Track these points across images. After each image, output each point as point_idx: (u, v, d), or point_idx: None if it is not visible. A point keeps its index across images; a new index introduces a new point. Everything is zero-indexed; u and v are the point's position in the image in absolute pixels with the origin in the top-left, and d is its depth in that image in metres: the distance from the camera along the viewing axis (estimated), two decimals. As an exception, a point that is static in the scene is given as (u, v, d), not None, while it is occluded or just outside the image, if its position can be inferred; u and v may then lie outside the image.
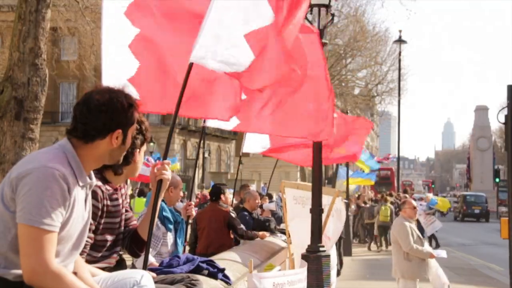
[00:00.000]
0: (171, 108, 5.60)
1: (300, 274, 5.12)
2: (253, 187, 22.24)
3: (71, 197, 2.48)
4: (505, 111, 12.39)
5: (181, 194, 6.39)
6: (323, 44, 6.54)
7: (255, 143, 7.50)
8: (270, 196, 15.85)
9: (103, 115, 2.62)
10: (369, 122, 12.37)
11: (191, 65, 3.82)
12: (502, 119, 12.44)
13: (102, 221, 3.19)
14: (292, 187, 6.94)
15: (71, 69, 27.28)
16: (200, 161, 44.13)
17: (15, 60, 10.98)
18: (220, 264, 4.56)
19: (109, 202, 3.25)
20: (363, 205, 22.71)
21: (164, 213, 5.94)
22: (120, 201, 3.39)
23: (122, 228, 3.41)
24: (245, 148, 7.63)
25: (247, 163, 44.00)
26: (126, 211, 3.48)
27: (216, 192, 7.88)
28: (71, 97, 45.26)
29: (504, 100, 11.93)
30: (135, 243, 3.44)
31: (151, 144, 30.63)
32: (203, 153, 41.11)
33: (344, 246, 17.07)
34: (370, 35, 36.49)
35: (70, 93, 45.33)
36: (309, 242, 6.00)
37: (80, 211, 2.58)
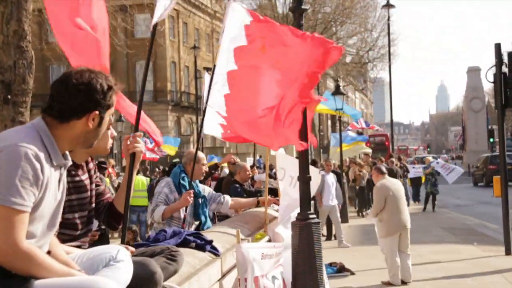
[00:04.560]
0: None
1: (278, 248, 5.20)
2: (249, 160, 22.26)
3: (44, 177, 2.43)
4: (494, 70, 12.39)
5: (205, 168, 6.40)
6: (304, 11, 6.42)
7: (214, 127, 6.76)
8: (270, 168, 15.83)
9: (81, 94, 2.55)
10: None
11: (155, 25, 4.05)
12: (491, 78, 12.44)
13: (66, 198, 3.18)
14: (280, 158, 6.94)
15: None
16: (196, 136, 44.09)
17: (0, 44, 10.87)
18: (210, 236, 4.58)
19: (69, 179, 3.21)
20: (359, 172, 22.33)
21: (181, 181, 5.96)
22: (85, 176, 3.37)
23: (93, 205, 3.39)
24: (205, 130, 7.14)
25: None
26: (98, 185, 3.46)
27: None
28: (61, 79, 44.87)
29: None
30: (111, 216, 3.45)
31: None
32: (198, 129, 41.05)
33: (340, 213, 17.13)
34: (358, 0, 36.20)
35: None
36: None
37: (53, 191, 2.53)
